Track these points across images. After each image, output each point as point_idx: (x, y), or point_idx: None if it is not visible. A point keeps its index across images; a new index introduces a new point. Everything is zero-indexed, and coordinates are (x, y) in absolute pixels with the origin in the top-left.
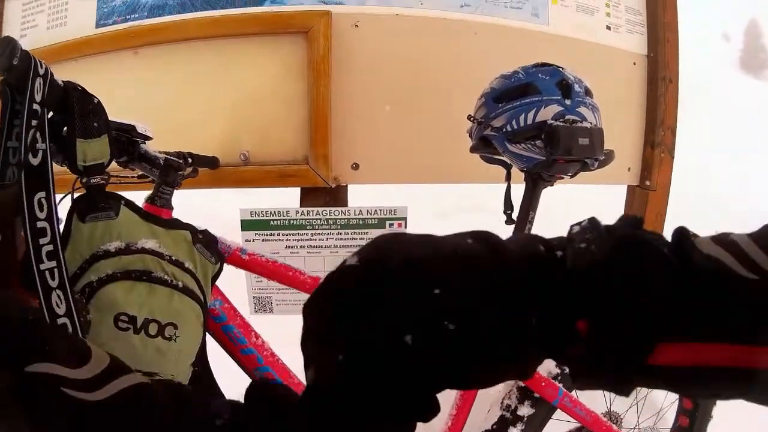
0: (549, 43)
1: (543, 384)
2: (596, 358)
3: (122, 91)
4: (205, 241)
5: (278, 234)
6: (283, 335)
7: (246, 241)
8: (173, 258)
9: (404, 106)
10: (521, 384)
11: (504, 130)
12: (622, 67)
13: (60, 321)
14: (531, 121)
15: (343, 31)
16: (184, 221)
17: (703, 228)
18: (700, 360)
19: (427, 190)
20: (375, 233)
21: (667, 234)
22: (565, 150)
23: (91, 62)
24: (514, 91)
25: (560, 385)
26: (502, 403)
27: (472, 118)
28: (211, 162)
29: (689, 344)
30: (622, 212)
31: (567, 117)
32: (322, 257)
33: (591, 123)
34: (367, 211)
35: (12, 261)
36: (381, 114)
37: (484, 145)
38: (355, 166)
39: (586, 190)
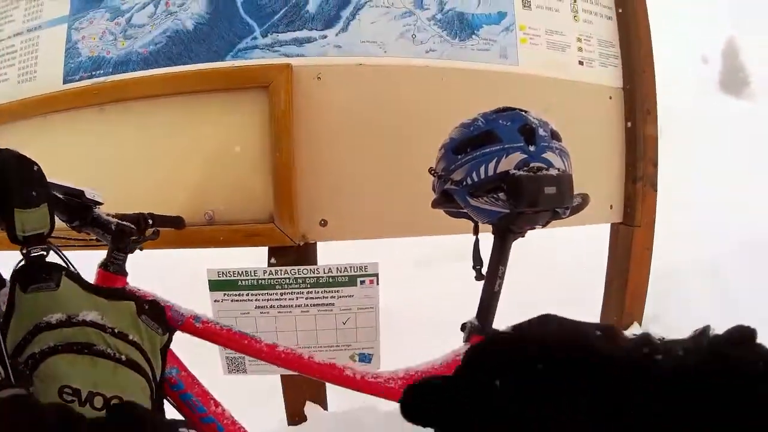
0: (520, 83)
1: None
2: None
3: (88, 148)
4: (152, 311)
5: (247, 294)
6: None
7: (215, 301)
8: (116, 330)
9: (372, 158)
10: None
11: (464, 183)
12: (597, 102)
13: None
14: (492, 172)
15: (305, 84)
16: (141, 287)
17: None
18: None
19: (404, 239)
20: (347, 291)
21: None
22: (530, 201)
23: (59, 119)
24: (474, 140)
25: None
26: None
27: (432, 172)
28: (176, 222)
29: None
30: (606, 251)
31: (531, 165)
32: (293, 317)
33: (558, 169)
34: (337, 268)
35: None
36: (348, 167)
37: (446, 200)
38: (323, 223)
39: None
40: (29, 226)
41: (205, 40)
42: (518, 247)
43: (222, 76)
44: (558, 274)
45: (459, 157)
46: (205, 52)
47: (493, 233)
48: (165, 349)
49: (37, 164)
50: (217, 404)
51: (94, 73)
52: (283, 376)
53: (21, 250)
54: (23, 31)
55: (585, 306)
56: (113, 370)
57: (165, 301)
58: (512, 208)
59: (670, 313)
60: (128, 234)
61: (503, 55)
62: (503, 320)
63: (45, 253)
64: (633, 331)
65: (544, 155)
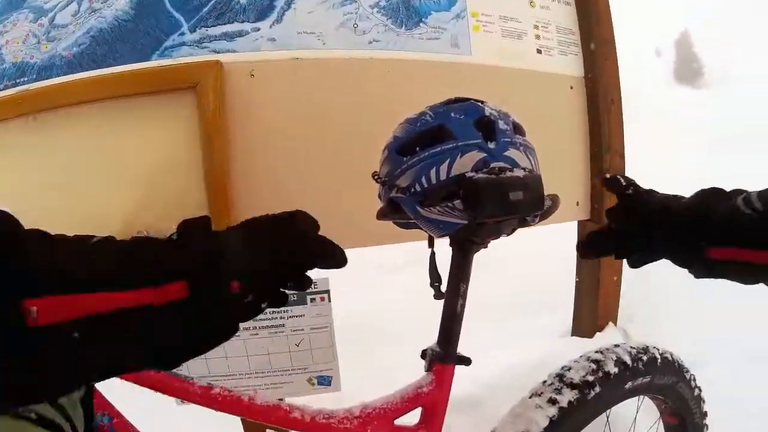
0: (474, 74)
1: None
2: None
3: (12, 164)
4: None
5: None
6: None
7: None
8: None
9: (315, 160)
10: None
11: (412, 190)
12: (558, 93)
13: None
14: (445, 176)
15: (237, 82)
16: None
17: None
18: (732, 256)
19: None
20: (296, 310)
21: None
22: (492, 210)
23: None
24: (422, 138)
25: None
26: None
27: (376, 177)
28: None
29: (729, 248)
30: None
31: (492, 165)
32: (242, 341)
33: (525, 168)
34: None
35: None
36: (289, 171)
37: (393, 210)
38: None
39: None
40: None
41: (130, 38)
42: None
43: (147, 78)
44: (527, 276)
45: (405, 159)
46: (130, 51)
47: (450, 245)
48: (88, 398)
49: None
50: None
51: (18, 80)
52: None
53: None
54: None
55: (557, 308)
56: (23, 430)
57: None
58: (471, 219)
59: (646, 311)
60: None
61: (455, 44)
62: (469, 333)
63: None
64: (609, 332)
65: (506, 153)
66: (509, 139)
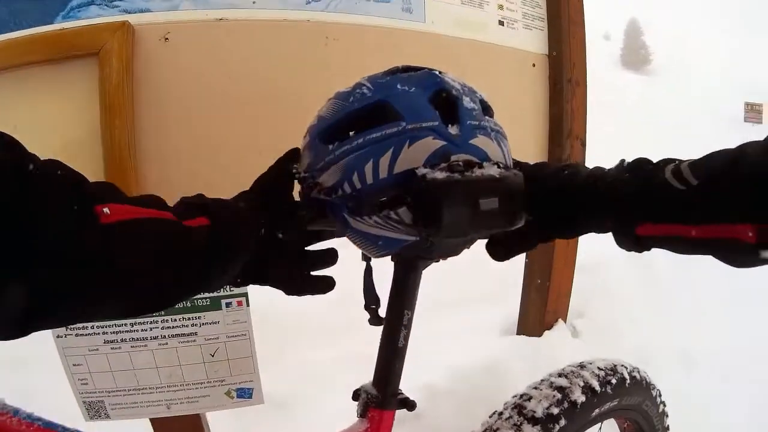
0: (427, 44)
1: None
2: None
3: None
4: None
5: (92, 327)
6: None
7: (58, 337)
8: None
9: (238, 140)
10: None
11: (340, 192)
12: (519, 70)
13: None
14: (386, 174)
15: (149, 48)
16: None
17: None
18: (662, 232)
19: None
20: (210, 317)
21: None
22: (454, 225)
23: None
24: (355, 119)
25: None
26: None
27: (294, 170)
28: None
29: (657, 225)
30: None
31: (454, 158)
32: (150, 351)
33: (499, 164)
34: None
35: None
36: (207, 152)
37: (317, 214)
38: None
39: None
40: None
41: None
42: None
43: (45, 44)
44: (469, 265)
45: (331, 147)
46: (34, 13)
47: (393, 259)
48: None
49: None
50: None
51: None
52: (152, 421)
53: None
54: None
55: (499, 302)
56: None
57: None
58: (423, 235)
59: (596, 305)
60: None
61: (406, 9)
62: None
63: None
64: (558, 330)
65: (473, 141)
66: (477, 122)
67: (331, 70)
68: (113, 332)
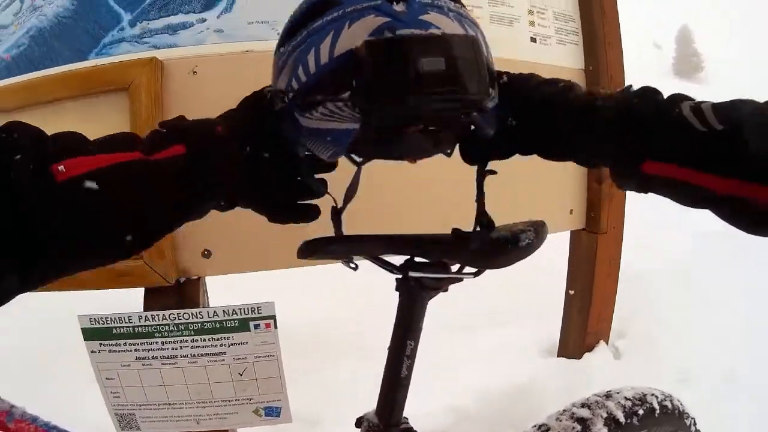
0: None
1: None
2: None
3: None
4: None
5: (125, 344)
6: None
7: (92, 352)
8: None
9: None
10: None
11: (290, 93)
12: None
13: None
14: (327, 60)
15: (178, 82)
16: None
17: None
18: (671, 174)
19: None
20: (239, 337)
21: None
22: (390, 88)
23: None
24: (305, 16)
25: None
26: None
27: (267, 90)
28: None
29: (667, 165)
30: (567, 263)
31: (399, 32)
32: (180, 369)
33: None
34: (224, 311)
35: None
36: None
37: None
38: (207, 254)
39: None
40: None
41: (68, 36)
42: None
43: (81, 79)
44: (512, 283)
45: (281, 49)
46: (68, 51)
47: (397, 290)
48: None
49: None
50: None
51: None
52: None
53: None
54: None
55: (543, 321)
56: None
57: None
58: (365, 116)
59: (640, 326)
60: None
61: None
62: (440, 344)
63: None
64: (599, 353)
65: (424, 17)
66: (430, 0)
67: None
68: (144, 350)
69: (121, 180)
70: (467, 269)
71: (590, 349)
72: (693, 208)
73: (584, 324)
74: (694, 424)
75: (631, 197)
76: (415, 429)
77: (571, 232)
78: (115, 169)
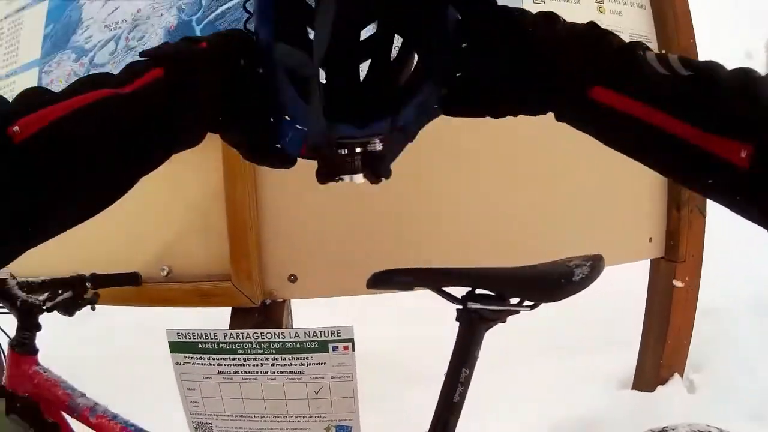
0: None
1: None
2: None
3: None
4: (24, 410)
5: (208, 358)
6: None
7: (176, 363)
8: None
9: (348, 203)
10: None
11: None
12: None
13: None
14: None
15: None
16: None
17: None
18: (623, 106)
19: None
20: (317, 358)
21: None
22: None
23: None
24: None
25: None
26: None
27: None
28: (131, 279)
29: (618, 94)
30: (646, 291)
31: None
32: (258, 384)
33: None
34: (305, 333)
35: None
36: (320, 214)
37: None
38: (293, 278)
39: None
40: None
41: None
42: None
43: None
44: (593, 312)
45: None
46: None
47: (457, 320)
48: None
49: None
50: None
51: None
52: None
53: None
54: (2, 76)
55: (621, 351)
56: None
57: (69, 388)
58: None
59: (716, 359)
60: (34, 312)
61: None
62: (516, 371)
63: None
64: (672, 386)
65: None
66: None
67: (429, 141)
68: (227, 364)
69: (90, 122)
70: (526, 302)
71: (664, 382)
72: (637, 159)
73: (659, 356)
74: None
75: (711, 226)
76: None
77: (651, 261)
78: (78, 114)
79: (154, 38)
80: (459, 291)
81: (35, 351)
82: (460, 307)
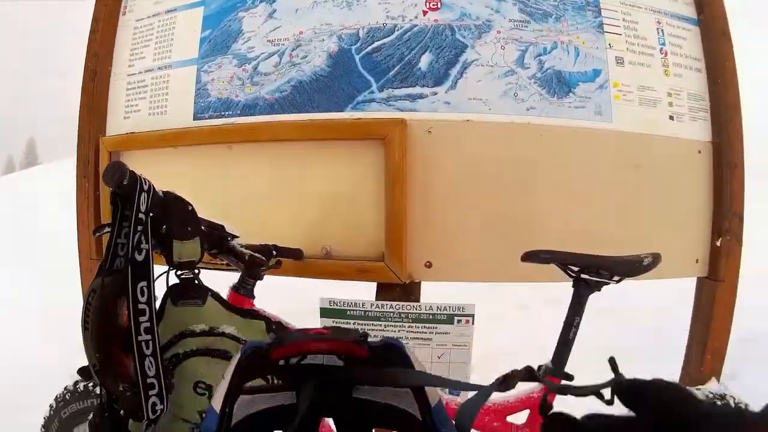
0: (613, 140)
1: None
2: None
3: (218, 180)
4: (278, 331)
5: (354, 323)
6: None
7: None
8: None
9: (476, 207)
10: None
11: None
12: (687, 157)
13: (150, 381)
14: None
15: (417, 137)
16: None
17: None
18: None
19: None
20: (443, 328)
21: None
22: None
23: (190, 151)
24: None
25: None
26: None
27: None
28: (295, 253)
29: None
30: (692, 306)
31: None
32: None
33: None
34: (437, 307)
35: (116, 330)
36: (454, 215)
37: None
38: (429, 265)
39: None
40: (185, 254)
41: (326, 91)
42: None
43: (342, 127)
44: (646, 323)
45: None
46: (326, 102)
47: (573, 286)
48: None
49: (191, 204)
50: None
51: (223, 113)
52: None
53: (175, 273)
54: (153, 68)
55: (668, 360)
56: None
57: (287, 323)
58: None
59: (751, 371)
60: (259, 264)
61: (598, 111)
62: (584, 365)
63: (195, 276)
64: (711, 387)
65: None
66: None
67: (542, 158)
68: (369, 329)
69: None
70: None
71: (702, 384)
72: None
73: (700, 359)
74: None
75: (749, 251)
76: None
77: (697, 279)
78: None
79: (318, 59)
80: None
81: (253, 296)
82: (576, 277)
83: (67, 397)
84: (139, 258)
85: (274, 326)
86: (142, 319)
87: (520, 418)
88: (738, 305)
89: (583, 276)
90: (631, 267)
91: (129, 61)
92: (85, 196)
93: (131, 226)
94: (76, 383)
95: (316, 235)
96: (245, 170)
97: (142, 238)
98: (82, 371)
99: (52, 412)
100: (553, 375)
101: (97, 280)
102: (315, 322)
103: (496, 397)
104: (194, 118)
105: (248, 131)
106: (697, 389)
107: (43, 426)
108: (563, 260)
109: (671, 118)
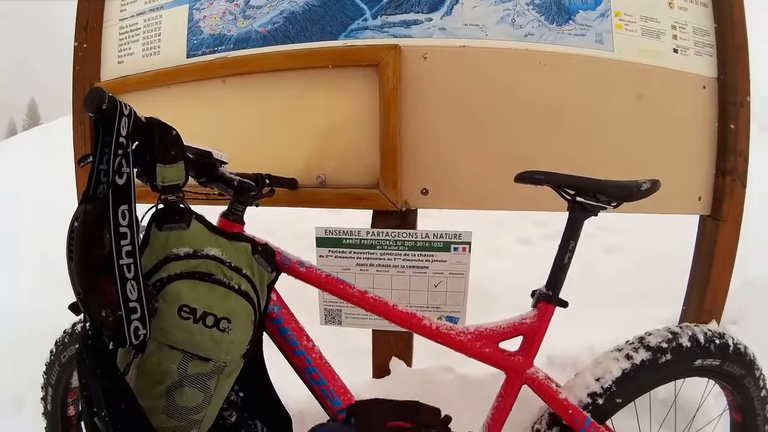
0: (614, 69)
1: (570, 412)
2: None
3: (212, 115)
4: (264, 253)
5: (350, 252)
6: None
7: (320, 257)
8: (233, 264)
9: (472, 135)
10: (552, 410)
11: None
12: (691, 91)
13: (132, 305)
14: None
15: (412, 64)
16: (263, 235)
17: None
18: None
19: (505, 216)
20: (440, 256)
21: None
22: None
23: (183, 89)
24: None
25: (587, 415)
26: (533, 427)
27: None
28: (290, 183)
29: None
30: (693, 244)
31: None
32: (389, 275)
33: None
34: (433, 234)
35: (99, 256)
36: (449, 141)
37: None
38: (425, 192)
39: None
40: (168, 178)
41: (320, 21)
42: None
43: (336, 55)
44: (645, 262)
45: None
46: (320, 31)
47: (567, 209)
48: (271, 286)
49: (175, 129)
50: (308, 339)
51: (216, 48)
52: (374, 331)
53: (159, 197)
54: (145, 11)
55: (669, 300)
56: (226, 296)
57: (275, 247)
58: None
59: (751, 317)
60: (248, 189)
61: (599, 40)
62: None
63: (179, 199)
64: (711, 327)
65: None
66: None
67: (543, 86)
68: (365, 258)
69: None
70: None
71: (704, 323)
72: None
73: (701, 299)
74: (763, 378)
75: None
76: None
77: (700, 217)
78: None
79: None
80: None
81: (243, 222)
82: (571, 200)
83: (66, 340)
84: (120, 182)
85: (260, 248)
86: (123, 242)
87: (512, 344)
88: (745, 251)
89: (578, 199)
90: (629, 191)
91: (121, 5)
92: (81, 141)
93: (111, 151)
94: (74, 325)
95: (312, 165)
96: (239, 102)
97: (123, 162)
98: (74, 307)
99: (52, 357)
100: (548, 300)
101: (80, 208)
102: (302, 247)
103: (488, 323)
104: (187, 56)
105: (241, 63)
106: (695, 326)
107: (45, 372)
108: (558, 182)
109: (675, 51)
